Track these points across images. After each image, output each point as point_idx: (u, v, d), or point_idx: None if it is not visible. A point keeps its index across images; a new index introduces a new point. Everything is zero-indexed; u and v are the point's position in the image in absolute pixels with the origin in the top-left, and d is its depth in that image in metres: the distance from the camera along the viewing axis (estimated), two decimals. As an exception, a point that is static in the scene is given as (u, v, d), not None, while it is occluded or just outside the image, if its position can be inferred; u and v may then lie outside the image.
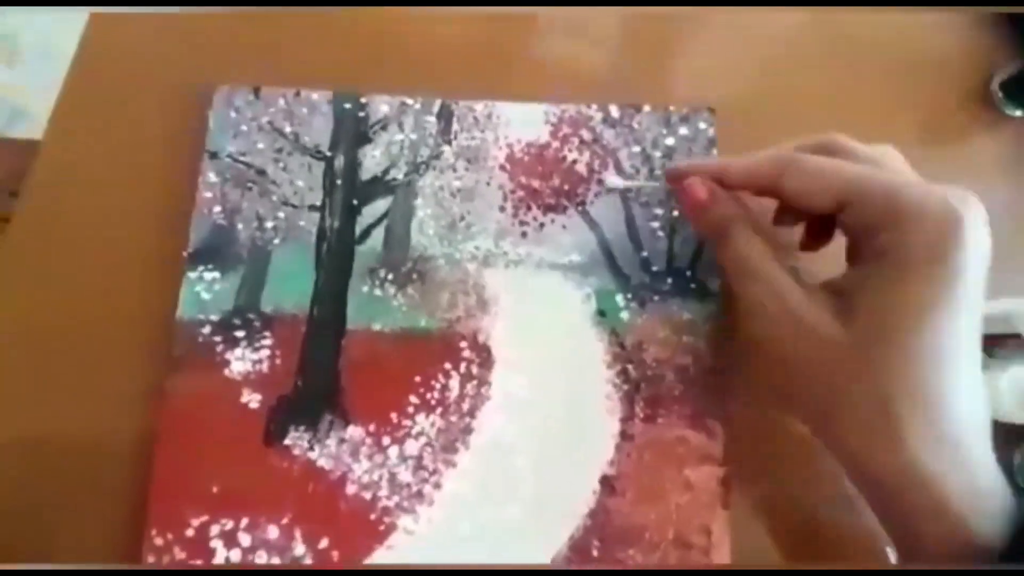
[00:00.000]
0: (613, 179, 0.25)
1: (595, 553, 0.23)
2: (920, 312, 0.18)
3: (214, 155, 0.26)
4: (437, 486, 0.23)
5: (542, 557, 0.23)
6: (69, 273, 0.25)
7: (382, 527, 0.23)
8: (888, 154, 0.21)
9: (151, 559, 0.22)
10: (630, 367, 0.24)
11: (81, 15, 0.29)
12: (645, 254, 0.26)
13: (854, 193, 0.19)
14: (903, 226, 0.18)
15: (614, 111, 0.27)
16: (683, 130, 0.27)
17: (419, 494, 0.23)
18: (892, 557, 0.23)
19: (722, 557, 0.22)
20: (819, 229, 0.23)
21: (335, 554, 0.22)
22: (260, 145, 0.26)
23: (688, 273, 0.25)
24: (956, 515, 0.17)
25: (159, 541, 0.22)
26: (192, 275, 0.25)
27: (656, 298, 0.25)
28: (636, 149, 0.27)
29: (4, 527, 0.23)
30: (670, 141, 0.27)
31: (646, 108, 0.27)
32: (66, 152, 0.27)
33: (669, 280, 0.25)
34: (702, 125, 0.27)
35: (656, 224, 0.26)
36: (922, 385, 0.17)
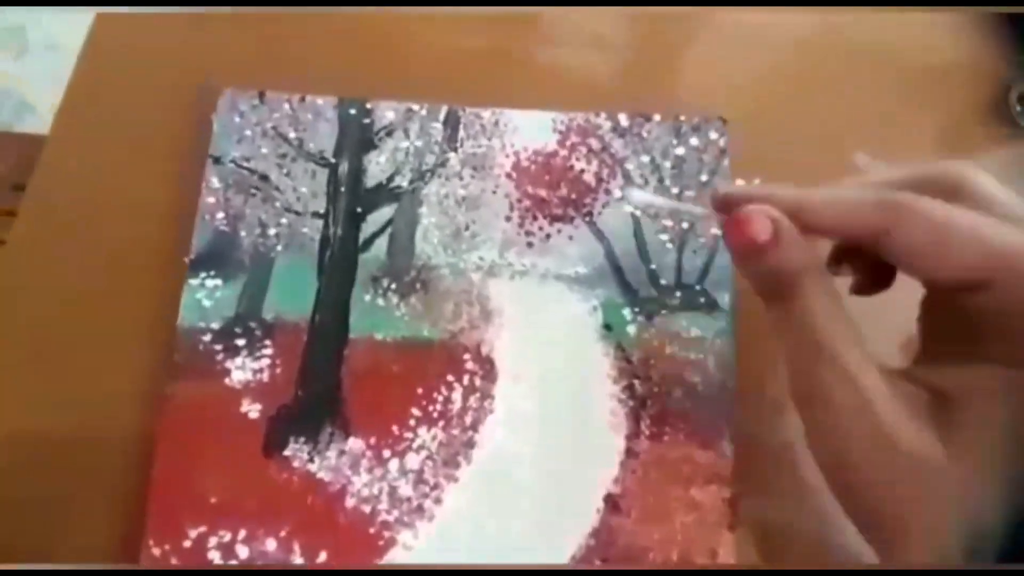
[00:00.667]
0: (637, 195, 0.19)
1: (598, 572, 0.22)
2: None
3: (218, 160, 0.26)
4: (438, 501, 0.23)
5: None
6: (71, 276, 0.25)
7: (381, 542, 0.22)
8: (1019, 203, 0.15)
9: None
10: (636, 383, 0.24)
11: (89, 9, 0.28)
12: (653, 267, 0.25)
13: (1004, 272, 0.14)
14: None
15: (623, 120, 0.27)
16: (694, 140, 0.26)
17: (419, 508, 0.23)
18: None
19: (728, 579, 0.22)
20: (881, 273, 0.18)
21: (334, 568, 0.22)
22: (264, 150, 0.26)
23: (697, 287, 0.25)
24: None
25: (156, 552, 0.22)
26: (194, 282, 0.24)
27: (664, 312, 0.25)
28: (645, 159, 0.26)
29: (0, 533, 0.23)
30: (680, 151, 0.26)
31: (656, 117, 0.27)
32: (70, 153, 0.27)
33: (678, 294, 0.25)
34: (713, 135, 0.26)
35: (665, 236, 0.26)
36: None
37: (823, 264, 0.16)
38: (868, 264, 0.18)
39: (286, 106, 0.27)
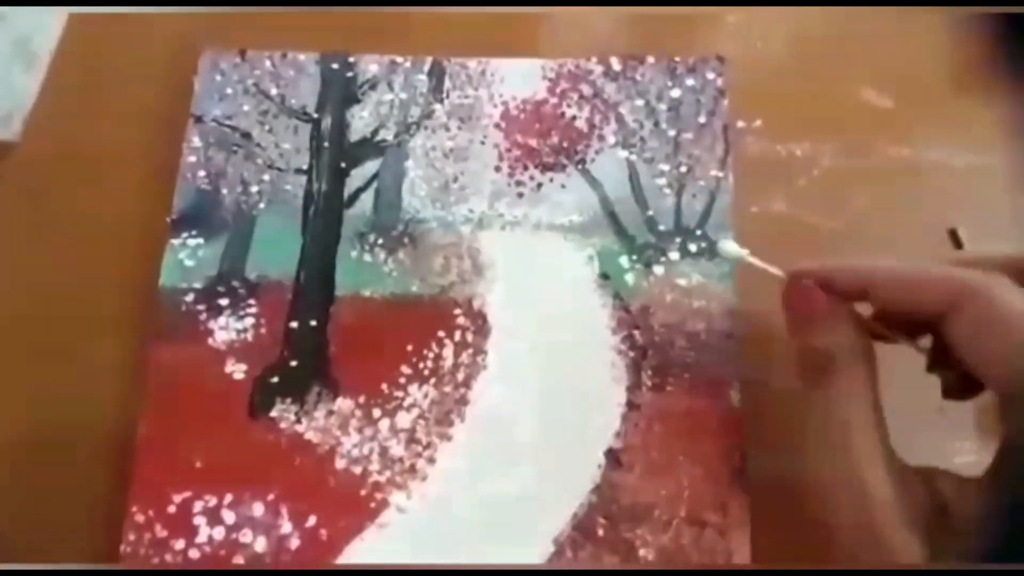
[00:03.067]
0: (728, 245, 0.20)
1: (601, 532, 0.21)
2: None
3: (199, 119, 0.25)
4: (431, 460, 0.22)
5: (544, 536, 0.21)
6: (51, 238, 0.25)
7: (373, 504, 0.21)
8: None
9: (132, 536, 0.21)
10: (636, 333, 0.23)
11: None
12: (651, 212, 0.24)
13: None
14: None
15: (615, 64, 0.26)
16: (690, 81, 0.25)
17: (412, 469, 0.22)
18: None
19: (740, 536, 0.21)
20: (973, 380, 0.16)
21: (323, 532, 0.21)
22: (246, 108, 0.25)
23: (698, 232, 0.24)
24: None
25: (140, 518, 0.21)
26: (175, 242, 0.24)
27: (663, 259, 0.23)
28: (640, 103, 0.25)
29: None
30: (676, 93, 0.25)
31: (650, 59, 0.26)
32: (52, 115, 0.26)
33: (677, 240, 0.24)
34: (710, 75, 0.25)
35: (662, 181, 0.24)
36: None
37: (868, 351, 0.16)
38: (961, 370, 0.17)
39: (267, 63, 0.26)
